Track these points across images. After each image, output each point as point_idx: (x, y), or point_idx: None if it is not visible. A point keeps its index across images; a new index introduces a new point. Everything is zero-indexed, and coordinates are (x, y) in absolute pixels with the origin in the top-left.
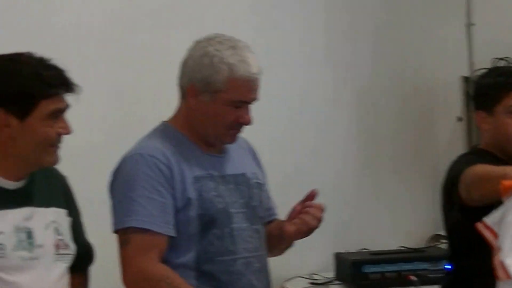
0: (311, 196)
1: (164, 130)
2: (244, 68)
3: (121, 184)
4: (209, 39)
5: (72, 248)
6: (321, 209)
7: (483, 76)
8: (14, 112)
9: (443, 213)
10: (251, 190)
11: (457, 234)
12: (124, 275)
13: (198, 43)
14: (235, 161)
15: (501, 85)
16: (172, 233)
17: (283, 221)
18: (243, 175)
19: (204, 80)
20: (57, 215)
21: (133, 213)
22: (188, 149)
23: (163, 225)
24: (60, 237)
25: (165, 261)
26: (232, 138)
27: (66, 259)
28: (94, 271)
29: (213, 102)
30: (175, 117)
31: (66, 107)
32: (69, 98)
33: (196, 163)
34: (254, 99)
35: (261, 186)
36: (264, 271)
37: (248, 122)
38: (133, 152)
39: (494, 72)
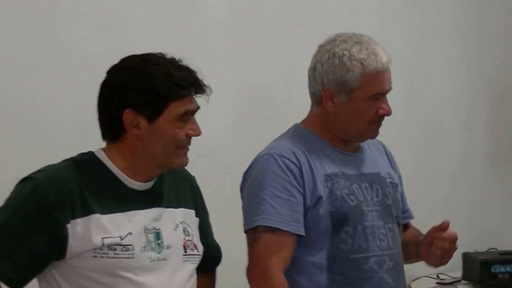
0: (443, 227)
1: (296, 131)
2: (375, 60)
3: (251, 184)
4: (333, 41)
5: (200, 249)
6: (451, 238)
7: None
8: (144, 113)
9: None
10: (385, 189)
11: None
12: (248, 272)
13: (321, 47)
14: (370, 160)
15: None
16: (301, 231)
17: (419, 240)
18: (377, 174)
19: (338, 80)
20: (186, 216)
21: (262, 212)
22: (320, 147)
23: (292, 223)
24: (188, 238)
25: (298, 259)
26: (375, 132)
27: (194, 260)
28: (221, 271)
29: (351, 101)
30: (307, 120)
31: (196, 108)
32: (199, 99)
33: (328, 161)
34: (389, 89)
35: (395, 186)
36: (398, 270)
37: (388, 113)
38: (263, 153)
39: None
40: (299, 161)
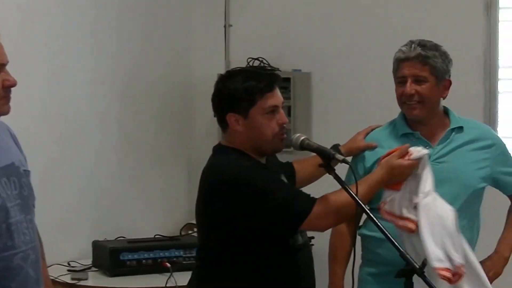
0: None
1: None
2: None
3: None
4: None
5: None
6: None
7: (225, 80)
8: None
9: (203, 208)
10: (21, 179)
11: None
12: None
13: None
14: (4, 150)
15: (255, 89)
16: None
17: None
18: (12, 165)
19: None
20: None
21: None
22: None
23: None
24: None
25: None
26: (8, 106)
27: None
28: None
29: None
30: None
31: None
32: None
33: None
34: (7, 60)
35: (28, 173)
36: (38, 261)
37: (14, 83)
38: None
39: (240, 76)
40: None
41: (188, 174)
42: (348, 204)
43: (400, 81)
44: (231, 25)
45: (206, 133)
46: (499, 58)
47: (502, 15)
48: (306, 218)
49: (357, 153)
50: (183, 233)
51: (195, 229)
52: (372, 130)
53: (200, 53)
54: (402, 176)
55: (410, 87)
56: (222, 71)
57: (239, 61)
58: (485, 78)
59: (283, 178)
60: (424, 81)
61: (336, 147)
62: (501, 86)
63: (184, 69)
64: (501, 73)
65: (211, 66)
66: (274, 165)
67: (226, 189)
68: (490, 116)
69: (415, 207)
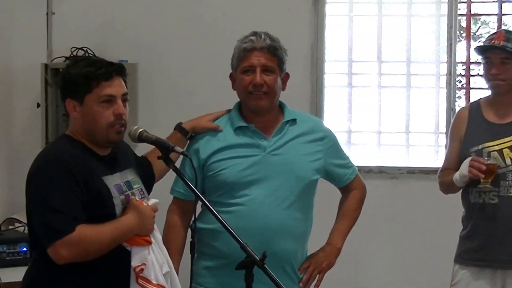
0: None
1: None
2: None
3: None
4: None
5: None
6: None
7: (70, 66)
8: None
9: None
10: None
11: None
12: None
13: None
14: None
15: (92, 75)
16: None
17: None
18: None
19: None
20: None
21: None
22: None
23: None
24: None
25: None
26: None
27: None
28: None
29: None
30: None
31: None
32: None
33: None
34: None
35: None
36: None
37: None
38: None
39: (83, 62)
40: None
41: (8, 166)
42: (101, 245)
43: (246, 70)
44: (54, 13)
45: (27, 124)
46: (325, 52)
47: (329, 9)
48: (60, 239)
49: (200, 132)
50: (3, 228)
51: (16, 224)
52: (223, 115)
53: (21, 41)
54: (149, 222)
55: (260, 77)
56: (45, 60)
57: (62, 50)
58: (312, 72)
59: (132, 173)
60: (272, 71)
61: (178, 125)
62: (327, 80)
63: (4, 58)
64: (327, 67)
65: (33, 55)
66: (126, 158)
67: (28, 182)
68: (317, 109)
69: (165, 274)
